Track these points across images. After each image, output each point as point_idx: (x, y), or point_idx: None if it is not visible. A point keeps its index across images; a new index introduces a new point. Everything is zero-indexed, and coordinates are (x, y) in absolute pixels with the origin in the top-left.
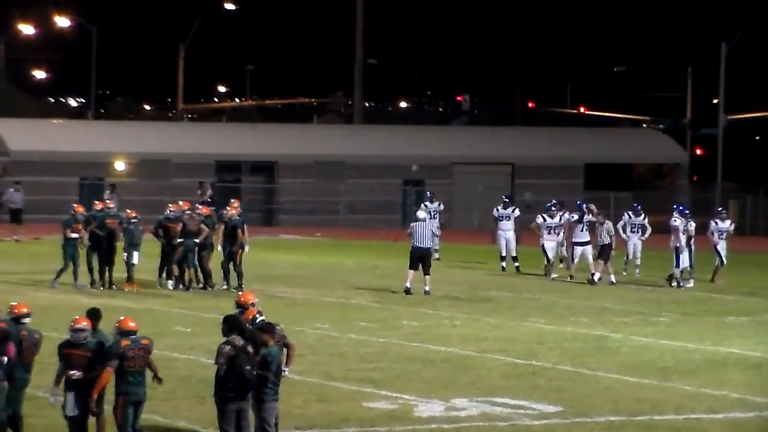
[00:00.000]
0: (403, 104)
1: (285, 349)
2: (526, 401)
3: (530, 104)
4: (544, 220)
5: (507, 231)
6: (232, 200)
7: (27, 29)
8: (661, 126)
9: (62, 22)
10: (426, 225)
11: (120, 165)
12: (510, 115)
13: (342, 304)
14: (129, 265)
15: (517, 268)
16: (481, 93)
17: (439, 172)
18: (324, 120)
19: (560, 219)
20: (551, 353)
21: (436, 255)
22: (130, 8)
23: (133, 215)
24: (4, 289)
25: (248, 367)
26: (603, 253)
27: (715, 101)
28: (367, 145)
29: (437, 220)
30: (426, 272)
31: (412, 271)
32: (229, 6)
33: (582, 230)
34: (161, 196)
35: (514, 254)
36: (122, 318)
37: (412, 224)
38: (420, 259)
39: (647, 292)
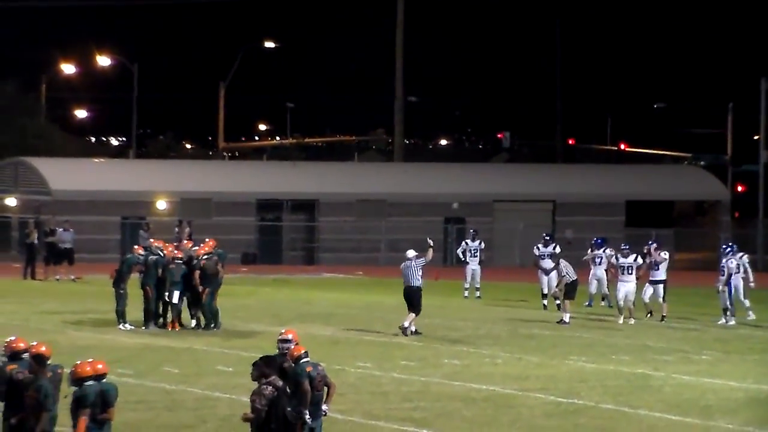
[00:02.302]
0: (443, 141)
1: (326, 388)
2: None
3: (571, 141)
4: (617, 259)
5: (548, 269)
6: (208, 239)
7: (68, 68)
8: (701, 162)
9: (103, 61)
10: (412, 264)
11: (161, 204)
12: (550, 152)
13: (383, 343)
14: (171, 304)
15: (559, 305)
16: (522, 130)
17: (480, 210)
18: (364, 158)
19: (635, 258)
20: (593, 391)
21: (477, 293)
22: (170, 47)
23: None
24: (48, 329)
25: (289, 409)
26: (569, 293)
27: (756, 137)
28: (408, 182)
29: (477, 256)
30: (412, 310)
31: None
32: (269, 44)
33: (656, 269)
34: (202, 235)
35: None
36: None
37: (401, 264)
38: (407, 298)
39: (689, 330)
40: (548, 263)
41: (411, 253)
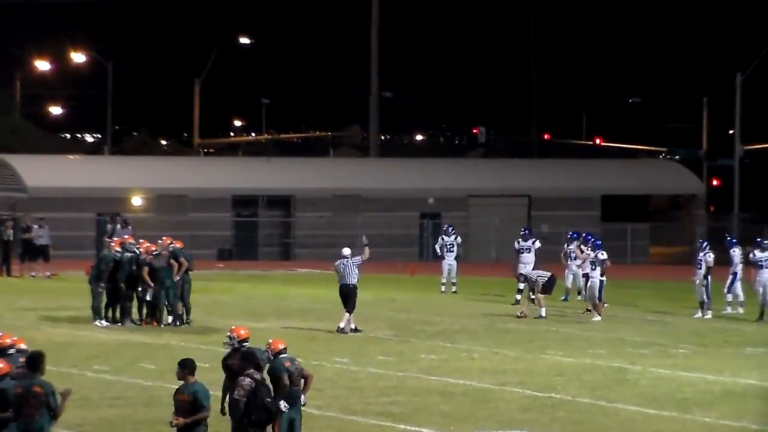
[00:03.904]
0: (418, 137)
1: (303, 380)
2: None
3: (546, 136)
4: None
5: (527, 264)
6: (141, 240)
7: (42, 65)
8: (677, 157)
9: (78, 57)
10: (348, 262)
11: (137, 200)
12: (526, 147)
13: (360, 338)
14: (145, 301)
15: (533, 300)
16: (497, 125)
17: (456, 205)
18: (340, 153)
19: (596, 255)
20: (570, 385)
21: (454, 288)
22: (145, 43)
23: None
24: (24, 325)
25: (269, 399)
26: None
27: (731, 131)
28: (384, 178)
29: (453, 251)
30: (348, 310)
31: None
32: (244, 40)
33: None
34: (178, 231)
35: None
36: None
37: (337, 262)
38: (344, 296)
39: (665, 323)
40: (528, 257)
41: (347, 251)
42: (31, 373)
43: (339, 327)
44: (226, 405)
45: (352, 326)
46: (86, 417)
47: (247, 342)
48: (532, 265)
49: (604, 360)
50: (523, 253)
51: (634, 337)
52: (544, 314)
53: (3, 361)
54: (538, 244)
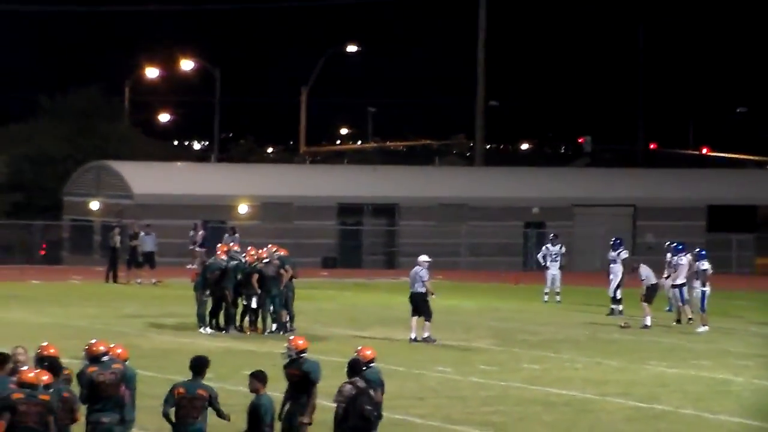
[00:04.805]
0: (524, 146)
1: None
2: None
3: (652, 146)
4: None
5: (615, 274)
6: (249, 248)
7: (151, 72)
8: None
9: (186, 65)
10: (416, 270)
11: (243, 208)
12: (631, 157)
13: (462, 347)
14: (249, 308)
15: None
16: (603, 135)
17: (560, 214)
18: (445, 162)
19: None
20: (673, 396)
21: (558, 298)
22: (253, 50)
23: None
24: (130, 332)
25: (369, 407)
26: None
27: None
28: (489, 187)
29: (557, 260)
30: (426, 318)
31: (414, 318)
32: (352, 48)
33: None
34: (283, 239)
35: (619, 296)
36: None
37: (412, 270)
38: (414, 304)
39: None
40: (615, 268)
41: (423, 258)
42: (196, 377)
43: (424, 337)
44: (284, 410)
45: (426, 334)
46: None
47: (305, 353)
48: (619, 277)
49: (708, 371)
50: (611, 263)
51: (738, 349)
52: (648, 323)
53: (47, 373)
54: (624, 254)
